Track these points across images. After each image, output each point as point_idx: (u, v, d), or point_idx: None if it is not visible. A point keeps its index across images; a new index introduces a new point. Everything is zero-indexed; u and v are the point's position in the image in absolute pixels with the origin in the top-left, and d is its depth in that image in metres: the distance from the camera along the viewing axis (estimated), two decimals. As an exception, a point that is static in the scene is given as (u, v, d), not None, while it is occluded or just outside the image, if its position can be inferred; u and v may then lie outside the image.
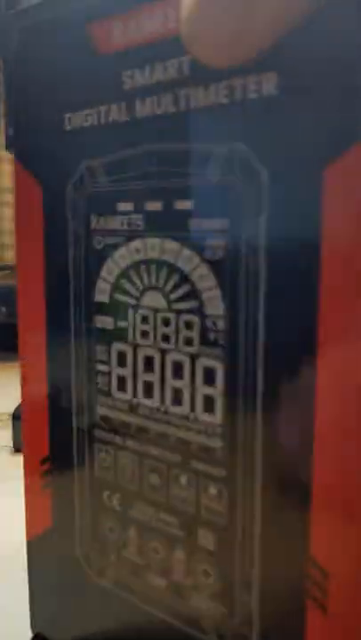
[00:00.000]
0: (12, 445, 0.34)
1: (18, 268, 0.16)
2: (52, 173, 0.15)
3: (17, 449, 0.33)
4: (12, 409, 0.34)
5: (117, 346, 0.14)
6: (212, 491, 0.13)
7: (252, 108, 0.11)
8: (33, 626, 0.18)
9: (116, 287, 0.14)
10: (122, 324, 0.14)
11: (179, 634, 0.14)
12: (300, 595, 0.12)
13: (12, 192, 0.51)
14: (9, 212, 0.66)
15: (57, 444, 0.16)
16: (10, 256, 0.65)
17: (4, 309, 0.50)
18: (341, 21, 0.10)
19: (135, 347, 0.13)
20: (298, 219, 0.11)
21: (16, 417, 0.33)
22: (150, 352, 0.13)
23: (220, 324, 0.12)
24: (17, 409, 0.33)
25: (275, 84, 0.10)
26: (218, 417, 0.12)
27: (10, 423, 0.34)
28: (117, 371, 0.14)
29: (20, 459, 0.30)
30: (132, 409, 0.14)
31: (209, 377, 0.12)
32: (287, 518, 0.12)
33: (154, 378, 0.13)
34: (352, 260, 0.10)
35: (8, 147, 0.17)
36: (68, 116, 0.14)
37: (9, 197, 0.66)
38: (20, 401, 0.22)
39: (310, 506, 0.11)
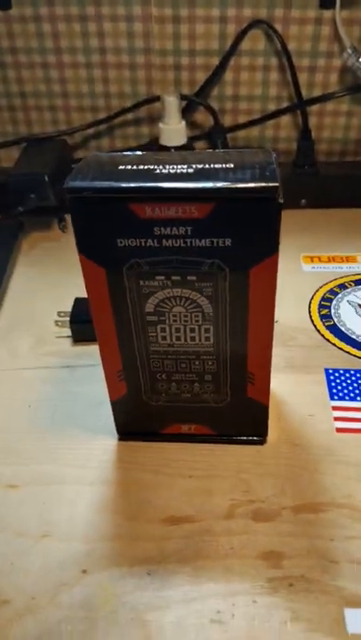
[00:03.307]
0: (72, 337, 0.41)
1: (92, 310, 0.27)
2: (111, 263, 0.25)
3: (75, 340, 0.40)
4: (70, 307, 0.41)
5: (160, 326, 0.27)
6: (208, 361, 0.29)
7: (222, 248, 0.24)
8: (117, 429, 0.33)
9: (157, 305, 0.26)
10: (162, 318, 0.27)
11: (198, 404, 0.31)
12: (244, 382, 0.29)
13: None
14: None
15: (126, 363, 0.29)
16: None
17: (33, 196, 0.49)
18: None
19: (170, 326, 0.27)
20: (241, 287, 0.25)
21: (72, 321, 0.40)
22: (178, 326, 0.27)
23: (210, 314, 0.26)
24: (72, 314, 0.40)
25: (230, 241, 0.24)
26: (211, 340, 0.28)
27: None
28: (161, 334, 0.28)
29: (78, 348, 0.41)
30: (169, 345, 0.28)
31: (207, 331, 0.27)
32: (237, 355, 0.28)
33: (180, 333, 0.27)
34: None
35: (81, 251, 0.25)
36: (119, 240, 0.24)
37: None
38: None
39: (247, 346, 0.28)
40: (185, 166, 0.24)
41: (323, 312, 0.44)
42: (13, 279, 0.49)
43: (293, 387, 0.37)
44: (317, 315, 0.44)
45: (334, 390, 0.36)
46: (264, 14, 0.53)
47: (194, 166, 0.24)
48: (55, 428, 0.34)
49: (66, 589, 0.26)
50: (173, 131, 0.50)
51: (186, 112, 0.58)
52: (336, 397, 0.36)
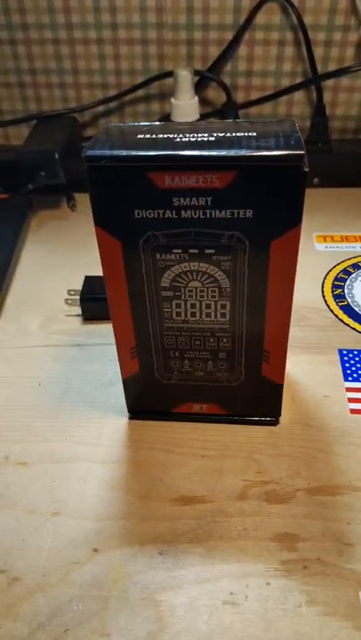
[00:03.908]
0: (82, 315, 0.39)
1: (107, 284, 0.25)
2: (127, 235, 0.24)
3: (86, 319, 0.39)
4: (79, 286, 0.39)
5: (175, 302, 0.26)
6: (223, 339, 0.27)
7: (242, 219, 0.22)
8: (128, 407, 0.32)
9: (172, 280, 0.25)
10: (177, 293, 0.25)
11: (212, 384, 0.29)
12: (259, 361, 0.28)
13: None
14: None
15: (140, 339, 0.28)
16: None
17: (42, 173, 0.46)
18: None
19: (185, 301, 0.26)
20: (260, 261, 0.23)
21: (82, 299, 0.38)
22: (193, 301, 0.26)
23: (227, 289, 0.25)
24: (82, 292, 0.39)
25: (251, 213, 0.22)
26: (226, 317, 0.26)
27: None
28: (176, 310, 0.26)
29: (88, 327, 0.40)
30: (184, 322, 0.27)
31: (223, 307, 0.26)
32: (253, 332, 0.27)
33: (196, 309, 0.26)
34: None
35: (98, 224, 0.23)
36: (137, 211, 0.23)
37: None
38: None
39: (264, 323, 0.27)
40: (206, 134, 0.22)
41: (336, 292, 0.42)
42: (22, 257, 0.47)
43: (307, 367, 0.35)
44: (331, 295, 0.42)
45: (348, 371, 0.35)
46: (280, -13, 0.51)
47: (215, 134, 0.22)
48: (65, 406, 0.33)
49: (77, 567, 0.25)
50: (186, 106, 0.48)
51: (198, 88, 0.55)
52: (350, 378, 0.34)
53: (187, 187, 0.21)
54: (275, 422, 0.31)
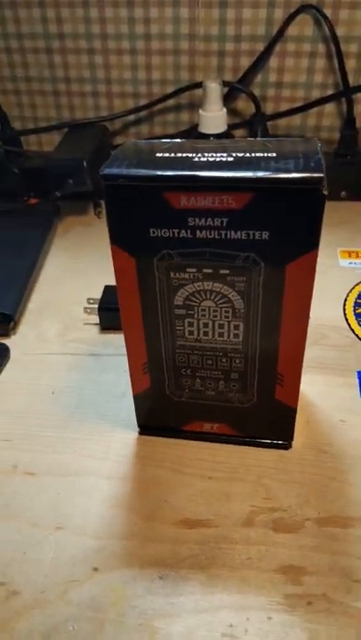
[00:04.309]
0: (99, 325, 0.39)
1: (120, 300, 0.24)
2: (142, 253, 0.23)
3: (103, 328, 0.38)
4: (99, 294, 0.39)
5: (187, 320, 0.25)
6: (236, 359, 0.26)
7: (258, 241, 0.21)
8: (138, 422, 0.31)
9: (186, 299, 0.24)
10: (190, 312, 0.25)
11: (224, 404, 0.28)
12: (273, 383, 0.27)
13: None
14: None
15: (152, 355, 0.27)
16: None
17: (70, 181, 0.47)
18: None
19: (198, 320, 0.25)
20: (276, 283, 0.22)
21: (100, 309, 0.38)
22: (206, 321, 0.25)
23: (241, 310, 0.24)
24: (101, 301, 0.38)
25: (267, 235, 0.21)
26: (240, 338, 0.25)
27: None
28: (188, 328, 0.25)
29: (105, 336, 0.39)
30: (196, 340, 0.26)
31: (236, 328, 0.25)
32: (266, 354, 0.26)
33: (208, 329, 0.25)
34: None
35: (114, 242, 0.23)
36: (152, 229, 0.22)
37: None
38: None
39: (278, 346, 0.25)
40: (224, 154, 0.21)
41: (358, 310, 0.40)
42: (47, 262, 0.47)
43: (323, 389, 0.34)
44: (353, 313, 0.40)
45: (367, 396, 0.33)
46: (315, -1, 0.49)
47: (234, 154, 0.21)
48: (77, 417, 0.32)
49: (76, 586, 0.24)
50: (213, 118, 0.47)
51: (227, 99, 0.54)
52: (369, 404, 0.33)
53: (203, 207, 0.21)
54: (287, 446, 0.30)
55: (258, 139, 0.23)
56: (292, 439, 0.30)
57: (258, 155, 0.21)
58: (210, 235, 0.21)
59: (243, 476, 0.29)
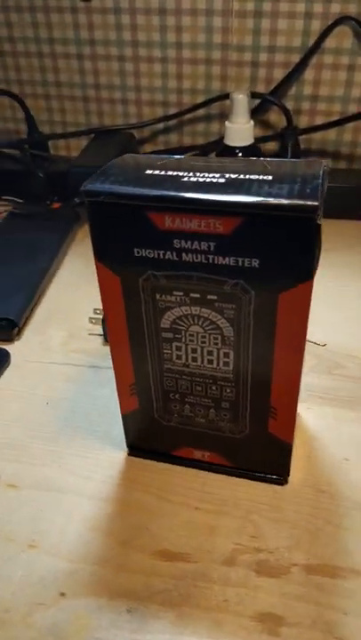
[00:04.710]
0: (103, 336, 0.39)
1: (107, 318, 0.24)
2: (127, 272, 0.22)
3: (107, 340, 0.37)
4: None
5: (175, 344, 0.24)
6: (226, 388, 0.25)
7: (248, 268, 0.20)
8: (127, 443, 0.31)
9: (173, 322, 0.24)
10: (177, 336, 0.24)
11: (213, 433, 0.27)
12: (266, 416, 0.26)
13: None
14: None
15: (139, 377, 0.26)
16: None
17: None
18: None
19: (186, 345, 0.24)
20: (267, 314, 0.21)
21: (104, 320, 0.36)
22: (195, 346, 0.24)
23: (231, 338, 0.23)
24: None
25: (258, 262, 0.20)
26: (230, 366, 0.24)
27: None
28: (176, 352, 0.25)
29: (108, 349, 0.39)
30: (184, 365, 0.25)
31: (226, 356, 0.24)
32: (258, 386, 0.25)
33: (197, 354, 0.24)
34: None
35: (98, 259, 0.22)
36: (136, 249, 0.22)
37: None
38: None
39: (271, 378, 0.24)
40: (217, 175, 0.20)
41: (378, 342, 0.39)
42: (63, 267, 0.47)
43: (332, 423, 0.32)
44: (371, 344, 0.38)
45: (375, 434, 0.31)
46: (353, 10, 0.48)
47: (227, 176, 0.20)
48: (67, 431, 0.32)
49: (41, 609, 0.24)
50: (240, 130, 0.46)
51: (259, 111, 0.54)
52: (376, 443, 0.31)
53: (189, 230, 0.20)
54: (282, 482, 0.28)
55: (261, 159, 0.22)
56: (287, 475, 0.28)
57: (252, 177, 0.20)
58: (196, 259, 0.21)
59: (231, 510, 0.28)
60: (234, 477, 0.29)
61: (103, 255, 0.22)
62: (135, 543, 0.26)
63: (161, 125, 0.57)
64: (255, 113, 0.53)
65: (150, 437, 0.29)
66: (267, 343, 0.22)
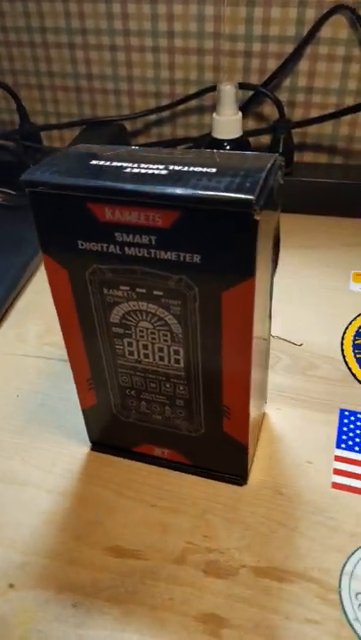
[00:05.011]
0: None
1: (58, 312, 0.24)
2: (74, 265, 0.22)
3: None
4: None
5: (126, 340, 0.24)
6: (180, 386, 0.25)
7: (190, 264, 0.20)
8: (90, 438, 0.31)
9: (122, 317, 0.23)
10: (127, 331, 0.24)
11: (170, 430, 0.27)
12: (220, 415, 0.25)
13: None
14: None
15: (95, 372, 0.27)
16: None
17: None
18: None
19: (137, 341, 0.24)
20: (212, 311, 0.21)
21: None
22: (145, 342, 0.24)
23: (179, 335, 0.23)
24: None
25: (199, 258, 0.20)
26: (181, 364, 0.24)
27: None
28: (128, 348, 0.25)
29: None
30: (137, 361, 0.25)
31: (176, 353, 0.24)
32: (210, 385, 0.25)
33: (148, 351, 0.24)
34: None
35: (44, 251, 0.23)
36: (80, 242, 0.21)
37: None
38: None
39: (221, 377, 0.24)
40: (160, 167, 0.20)
41: (358, 341, 0.38)
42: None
43: (298, 423, 0.32)
44: (351, 344, 0.38)
45: (344, 437, 0.31)
46: (349, -1, 0.47)
47: (171, 167, 0.20)
48: (34, 424, 0.32)
49: (-12, 601, 0.24)
50: (227, 122, 0.46)
51: (252, 103, 0.53)
52: (343, 446, 0.30)
53: (128, 223, 0.20)
54: (240, 482, 0.28)
55: (215, 151, 0.21)
56: (246, 475, 0.28)
57: (196, 169, 0.20)
58: (139, 253, 0.20)
59: (187, 509, 0.27)
60: (193, 476, 0.29)
61: (48, 247, 0.22)
62: (88, 538, 0.26)
63: (154, 117, 0.57)
64: (248, 105, 0.53)
65: (111, 433, 0.29)
66: (214, 341, 0.22)
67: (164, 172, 0.20)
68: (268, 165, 0.20)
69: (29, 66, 0.58)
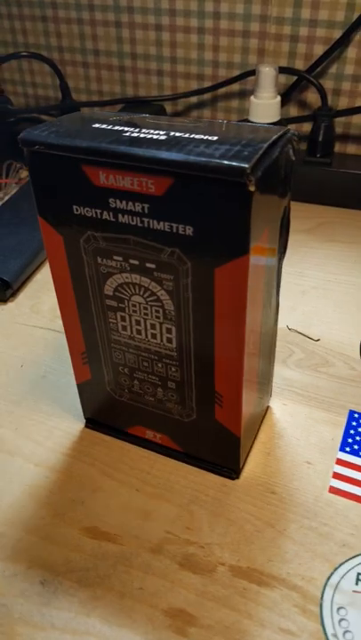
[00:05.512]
0: None
1: (54, 280, 0.23)
2: (69, 231, 0.21)
3: None
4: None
5: (120, 314, 0.23)
6: (171, 367, 0.24)
7: (182, 236, 0.19)
8: (84, 415, 0.30)
9: (115, 290, 0.22)
10: (121, 305, 0.23)
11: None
12: (212, 402, 0.24)
13: None
14: None
15: (89, 345, 0.26)
16: None
17: None
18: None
19: (130, 315, 0.23)
20: (205, 288, 0.20)
21: None
22: (138, 318, 0.23)
23: (172, 312, 0.22)
24: None
25: (192, 231, 0.18)
26: (173, 344, 0.23)
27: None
28: (121, 322, 0.23)
29: None
30: (130, 338, 0.24)
31: (169, 332, 0.22)
32: (202, 368, 0.23)
33: (141, 327, 0.23)
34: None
35: (40, 214, 0.22)
36: (75, 206, 0.20)
37: None
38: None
39: (214, 360, 0.23)
40: (162, 132, 0.19)
41: (380, 345, 0.35)
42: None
43: (303, 421, 0.30)
44: (371, 346, 0.35)
45: (350, 440, 0.29)
46: None
47: (171, 134, 0.19)
48: (33, 395, 0.32)
49: None
50: (265, 105, 0.43)
51: (295, 89, 0.50)
52: (348, 449, 0.28)
53: (122, 188, 0.18)
54: (233, 476, 0.27)
55: (224, 121, 0.20)
56: (239, 468, 0.27)
57: (197, 136, 0.18)
58: (132, 221, 0.19)
59: (172, 497, 0.26)
60: (184, 464, 0.27)
61: (44, 210, 0.21)
62: (67, 516, 0.25)
63: (194, 99, 0.55)
64: (291, 91, 0.50)
65: (106, 412, 0.28)
66: (206, 321, 0.21)
67: (163, 137, 0.18)
68: (275, 137, 0.18)
69: (76, 43, 0.57)
